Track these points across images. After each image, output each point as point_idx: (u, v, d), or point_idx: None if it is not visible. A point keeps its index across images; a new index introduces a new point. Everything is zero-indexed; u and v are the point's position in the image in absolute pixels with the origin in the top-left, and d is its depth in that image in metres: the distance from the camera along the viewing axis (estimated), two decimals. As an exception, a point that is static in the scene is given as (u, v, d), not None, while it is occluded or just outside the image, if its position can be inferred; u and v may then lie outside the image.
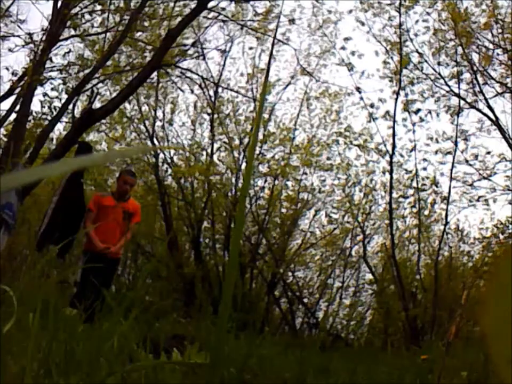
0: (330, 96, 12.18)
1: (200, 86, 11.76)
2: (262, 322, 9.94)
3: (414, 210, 10.96)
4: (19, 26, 9.01)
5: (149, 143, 12.29)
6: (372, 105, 10.60)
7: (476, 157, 10.41)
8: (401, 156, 10.89)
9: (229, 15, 9.80)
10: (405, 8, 9.94)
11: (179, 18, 8.85)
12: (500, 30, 9.74)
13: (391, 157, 10.25)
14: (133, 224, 5.42)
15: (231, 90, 11.58)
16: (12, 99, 9.12)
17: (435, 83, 10.36)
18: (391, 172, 10.32)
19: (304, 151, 11.92)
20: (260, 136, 11.65)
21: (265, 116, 11.86)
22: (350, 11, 10.60)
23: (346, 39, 10.61)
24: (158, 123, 12.47)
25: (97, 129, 11.91)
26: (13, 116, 8.59)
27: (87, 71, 8.50)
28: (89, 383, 1.47)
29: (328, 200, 12.25)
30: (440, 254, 10.86)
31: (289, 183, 12.19)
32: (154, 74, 9.43)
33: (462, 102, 10.35)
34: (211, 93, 12.00)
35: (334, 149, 11.92)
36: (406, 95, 10.33)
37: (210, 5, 8.30)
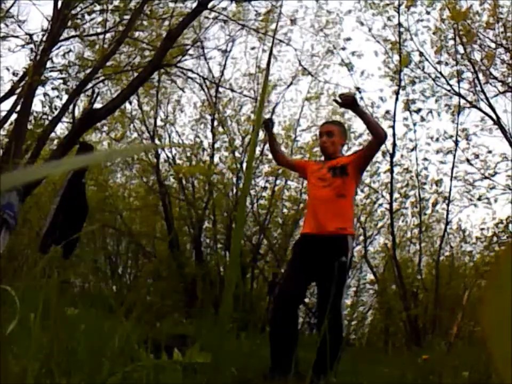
0: (331, 96, 12.19)
1: (201, 86, 11.77)
2: (263, 322, 9.93)
3: (415, 210, 10.96)
4: (19, 27, 8.99)
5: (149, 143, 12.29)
6: (372, 105, 10.58)
7: (477, 156, 10.41)
8: (402, 156, 10.90)
9: (230, 15, 9.80)
10: (406, 7, 9.92)
11: (180, 18, 8.84)
12: (501, 29, 9.72)
13: (391, 156, 10.24)
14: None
15: (232, 90, 11.58)
16: (12, 99, 9.11)
17: (436, 82, 10.35)
18: (391, 172, 10.31)
19: (305, 151, 11.92)
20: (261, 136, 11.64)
21: (266, 116, 11.85)
22: (349, 11, 10.59)
23: (346, 39, 10.60)
24: (159, 123, 12.49)
25: (98, 129, 11.91)
26: (14, 116, 8.58)
27: (87, 71, 8.49)
28: (90, 383, 1.47)
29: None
30: (441, 254, 10.86)
31: (291, 183, 12.19)
32: (155, 74, 9.42)
33: (463, 101, 10.35)
34: (212, 92, 12.01)
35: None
36: (407, 94, 10.32)
37: (210, 4, 8.29)
